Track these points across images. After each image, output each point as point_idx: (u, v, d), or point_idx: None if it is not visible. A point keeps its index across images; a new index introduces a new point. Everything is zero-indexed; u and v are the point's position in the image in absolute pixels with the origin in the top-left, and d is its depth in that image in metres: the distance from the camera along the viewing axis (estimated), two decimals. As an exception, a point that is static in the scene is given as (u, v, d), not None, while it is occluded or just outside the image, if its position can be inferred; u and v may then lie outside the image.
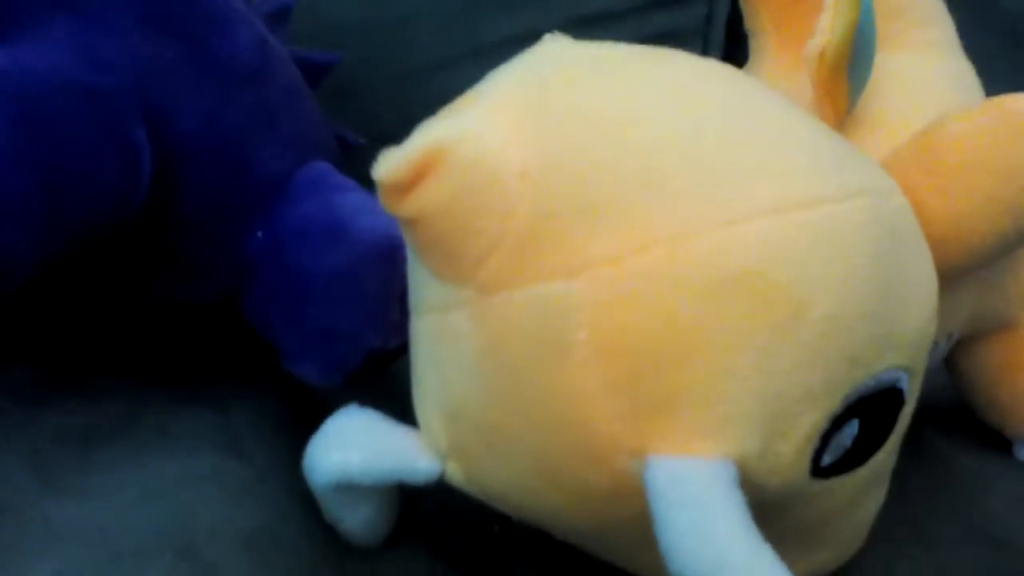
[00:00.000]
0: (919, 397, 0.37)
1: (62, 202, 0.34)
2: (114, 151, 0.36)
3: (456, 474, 0.36)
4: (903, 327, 0.34)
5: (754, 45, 0.49)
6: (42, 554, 0.31)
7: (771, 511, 0.32)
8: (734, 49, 0.66)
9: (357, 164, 0.42)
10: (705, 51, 0.68)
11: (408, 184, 0.31)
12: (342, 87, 0.55)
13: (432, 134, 0.31)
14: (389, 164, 0.31)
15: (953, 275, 0.38)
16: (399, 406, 0.38)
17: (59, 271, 0.37)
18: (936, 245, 0.37)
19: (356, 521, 0.39)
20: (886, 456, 0.37)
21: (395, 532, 0.41)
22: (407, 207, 0.31)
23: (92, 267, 0.39)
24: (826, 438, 0.33)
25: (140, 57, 0.38)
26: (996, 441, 0.50)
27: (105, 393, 0.40)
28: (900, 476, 0.39)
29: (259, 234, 0.41)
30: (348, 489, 0.38)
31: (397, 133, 0.32)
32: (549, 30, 0.37)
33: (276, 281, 0.41)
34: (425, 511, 0.42)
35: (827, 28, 0.38)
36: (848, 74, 0.40)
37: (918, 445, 0.41)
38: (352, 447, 0.37)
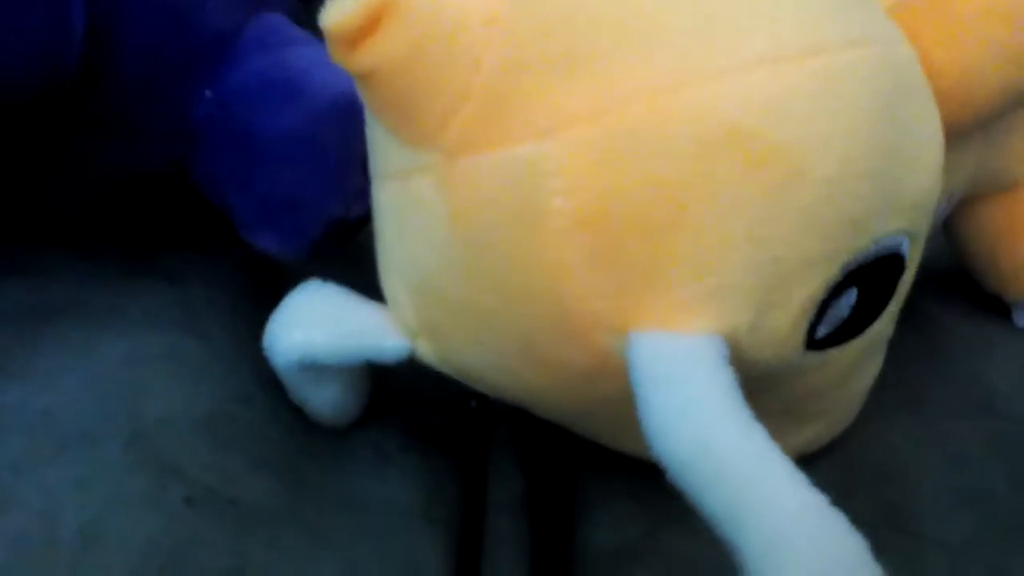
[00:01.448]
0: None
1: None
2: (41, 6, 0.33)
3: (427, 352, 0.34)
4: (907, 188, 0.32)
5: None
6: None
7: (762, 386, 0.30)
8: None
9: (316, 16, 0.39)
10: None
11: (361, 34, 0.28)
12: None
13: (387, -23, 0.28)
14: (339, 11, 0.28)
15: (959, 131, 0.36)
16: (365, 279, 0.36)
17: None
18: (943, 99, 0.34)
19: (323, 401, 0.38)
20: (884, 326, 0.35)
21: (366, 410, 0.39)
22: (360, 60, 0.29)
23: (30, 136, 0.36)
24: (823, 309, 0.31)
25: None
26: (995, 307, 0.49)
27: (52, 271, 0.38)
28: (896, 344, 0.38)
29: (207, 93, 0.38)
30: (313, 368, 0.36)
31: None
32: None
33: (227, 144, 0.38)
34: (396, 388, 0.40)
35: None
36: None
37: (914, 312, 0.39)
38: (315, 325, 0.35)
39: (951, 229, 0.49)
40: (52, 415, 0.30)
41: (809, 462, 0.29)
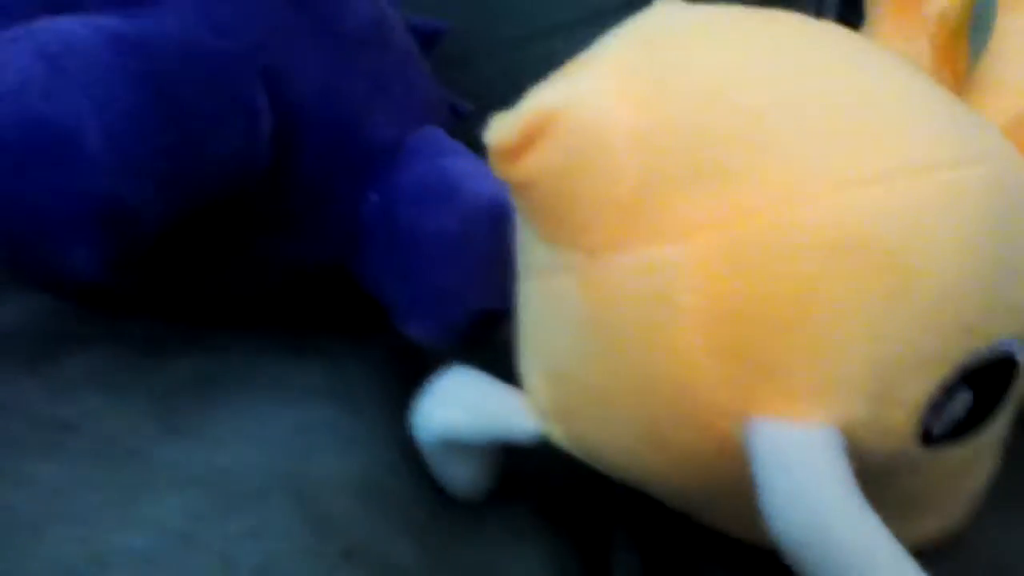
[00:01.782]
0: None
1: (186, 162, 0.35)
2: (235, 115, 0.37)
3: (559, 435, 0.37)
4: (1019, 296, 0.33)
5: (869, 9, 0.48)
6: (168, 494, 0.32)
7: (878, 479, 0.32)
8: (848, 15, 0.65)
9: (467, 131, 0.43)
10: (819, 15, 0.67)
11: (518, 148, 0.31)
12: (452, 55, 0.55)
13: (542, 98, 0.31)
14: (500, 128, 0.31)
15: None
16: (505, 368, 0.39)
17: (183, 230, 0.38)
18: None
19: (460, 476, 0.40)
20: (998, 427, 0.36)
21: (498, 487, 0.42)
22: (517, 171, 0.32)
23: (214, 226, 0.40)
24: (937, 407, 0.32)
25: (259, 21, 0.39)
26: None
27: (224, 346, 0.42)
28: (1012, 449, 0.39)
29: (373, 197, 0.42)
30: (453, 446, 0.39)
31: (506, 100, 0.32)
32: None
33: (388, 242, 0.42)
34: (528, 469, 0.42)
35: (948, -10, 0.37)
36: (968, 36, 0.39)
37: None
38: (459, 405, 0.38)
39: None
40: (228, 472, 0.34)
41: (923, 557, 0.30)
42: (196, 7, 0.38)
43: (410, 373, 0.41)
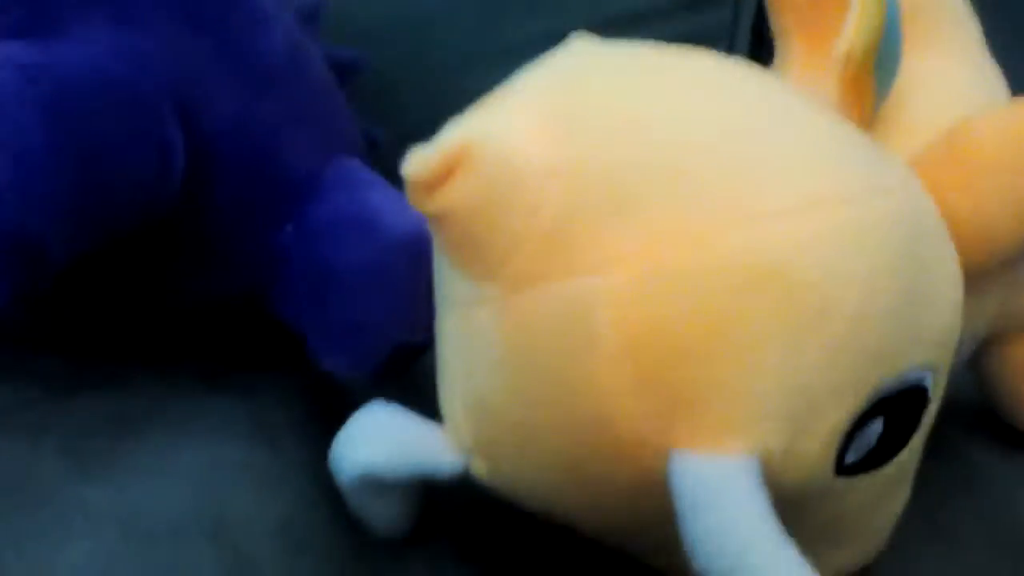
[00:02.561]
0: (944, 397, 0.37)
1: (95, 196, 0.34)
2: (147, 146, 0.36)
3: (481, 470, 0.36)
4: (929, 326, 0.34)
5: (779, 47, 0.49)
6: (78, 535, 0.32)
7: (794, 508, 0.32)
8: (759, 53, 0.67)
9: (384, 161, 0.43)
10: (730, 54, 0.68)
11: (436, 181, 0.31)
12: (369, 85, 0.55)
13: (460, 131, 0.32)
14: (417, 160, 0.31)
15: (978, 275, 0.38)
16: (425, 402, 0.38)
17: (91, 263, 0.37)
18: (962, 245, 0.37)
19: (381, 514, 0.40)
20: (910, 455, 0.37)
21: (420, 524, 0.41)
22: (435, 204, 0.32)
23: (124, 259, 0.40)
24: (851, 436, 0.33)
25: (174, 54, 0.38)
26: (1021, 442, 0.50)
27: (136, 382, 0.41)
28: (924, 477, 0.40)
29: (289, 228, 0.42)
30: (374, 483, 0.38)
31: (423, 131, 0.32)
32: (574, 31, 0.37)
33: (305, 274, 0.41)
34: (449, 505, 0.42)
35: (854, 29, 0.38)
36: (874, 76, 0.40)
37: (942, 446, 0.41)
38: (378, 442, 0.37)
39: (978, 366, 0.50)
40: (142, 511, 0.33)
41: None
42: (108, 38, 0.37)
43: (329, 408, 0.40)
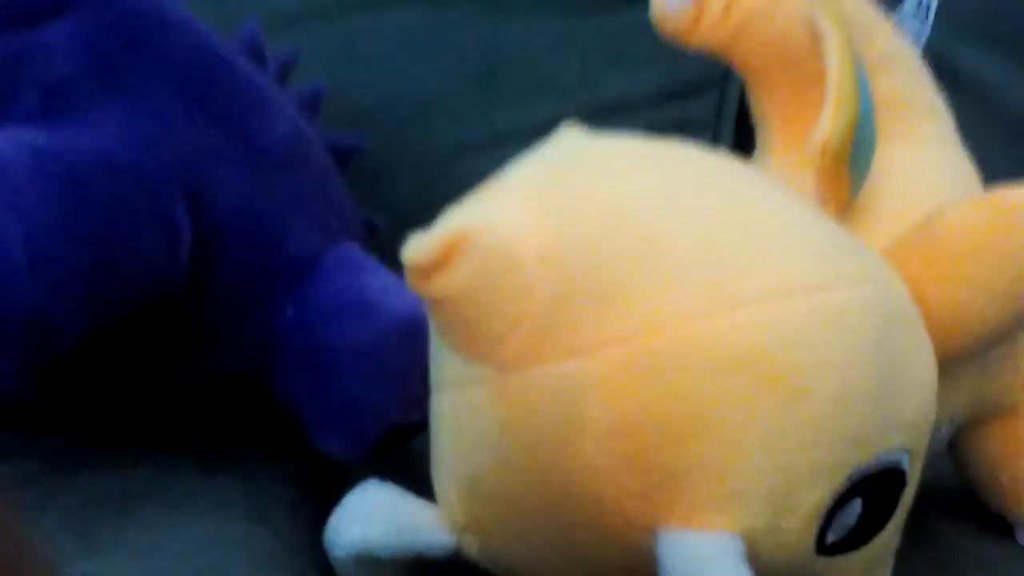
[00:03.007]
0: (923, 480, 0.38)
1: (106, 276, 0.35)
2: (156, 229, 0.38)
3: (472, 547, 0.37)
4: (904, 409, 0.35)
5: (760, 136, 0.51)
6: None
7: (777, 587, 0.33)
8: (743, 139, 0.68)
9: (381, 247, 0.44)
10: (715, 141, 0.70)
11: (434, 266, 0.32)
12: (367, 171, 0.57)
13: (457, 219, 0.33)
14: (416, 247, 0.32)
15: (953, 360, 0.39)
16: (418, 481, 0.39)
17: (96, 342, 0.38)
18: (936, 331, 0.38)
19: (374, 593, 0.40)
20: (889, 536, 0.38)
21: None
22: (432, 288, 0.33)
23: (127, 339, 0.40)
24: (831, 516, 0.34)
25: (183, 139, 0.40)
26: (999, 526, 0.51)
27: (137, 460, 0.41)
28: (904, 558, 0.40)
29: (289, 311, 0.43)
30: (367, 560, 0.38)
31: (418, 216, 0.33)
32: (565, 118, 0.38)
33: (304, 355, 0.42)
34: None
35: (828, 122, 0.40)
36: (849, 166, 0.42)
37: (921, 528, 0.42)
38: (372, 520, 0.38)
39: (955, 450, 0.51)
40: (142, 588, 0.34)
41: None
42: (119, 124, 0.39)
43: (324, 489, 0.41)
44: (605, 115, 0.64)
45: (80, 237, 0.35)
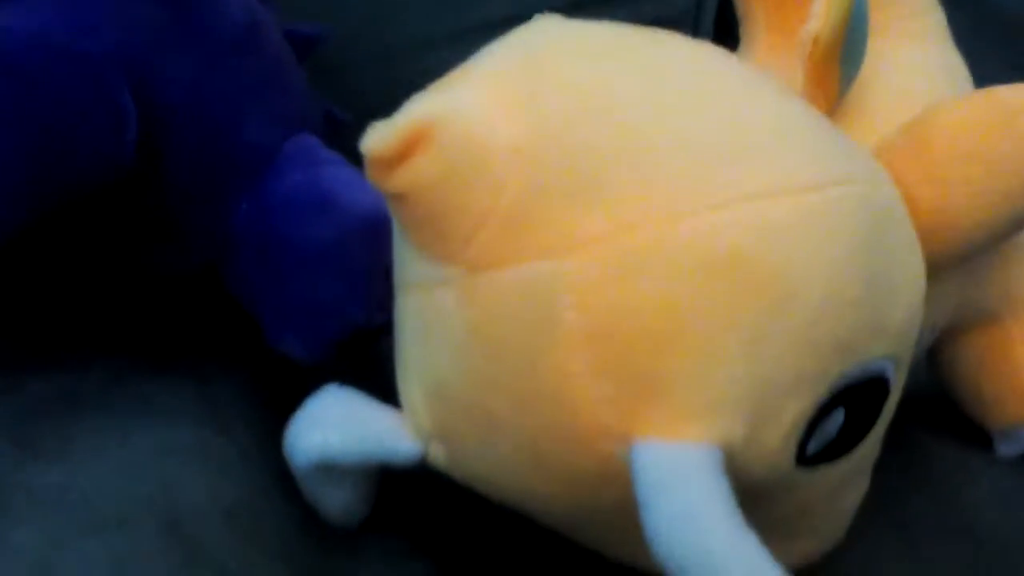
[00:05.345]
0: (903, 388, 0.37)
1: (45, 163, 0.34)
2: (100, 114, 0.36)
3: (439, 456, 0.36)
4: (891, 316, 0.34)
5: (744, 31, 0.49)
6: (25, 519, 0.31)
7: (755, 498, 0.32)
8: (723, 39, 0.66)
9: (344, 141, 0.42)
10: (695, 36, 0.68)
11: (396, 158, 0.31)
12: (328, 63, 0.54)
13: (422, 108, 0.31)
14: (377, 137, 0.31)
15: (941, 265, 0.38)
16: (382, 386, 0.38)
17: (40, 236, 0.37)
18: (924, 235, 0.37)
19: (335, 501, 0.39)
20: (870, 447, 0.37)
21: (374, 513, 0.41)
22: (394, 182, 0.31)
23: (74, 234, 0.39)
24: (812, 426, 0.33)
25: (126, 22, 0.37)
26: (978, 436, 0.51)
27: (86, 363, 0.40)
28: (882, 469, 0.40)
29: (244, 205, 0.41)
30: (328, 469, 0.37)
31: (382, 110, 0.31)
32: (536, 13, 0.36)
33: (261, 252, 0.40)
34: (405, 493, 0.42)
35: (821, 14, 0.38)
36: (840, 62, 0.40)
37: (901, 438, 0.41)
38: (333, 427, 0.37)
39: (936, 359, 0.50)
40: (89, 496, 0.32)
41: (799, 576, 0.31)
42: (61, 7, 0.36)
43: (283, 393, 0.39)
44: (578, 11, 0.62)
45: (16, 122, 0.33)
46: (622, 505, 0.31)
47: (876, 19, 0.44)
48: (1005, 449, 0.50)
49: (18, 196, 0.33)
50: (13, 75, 0.34)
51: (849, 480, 0.38)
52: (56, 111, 0.34)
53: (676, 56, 0.35)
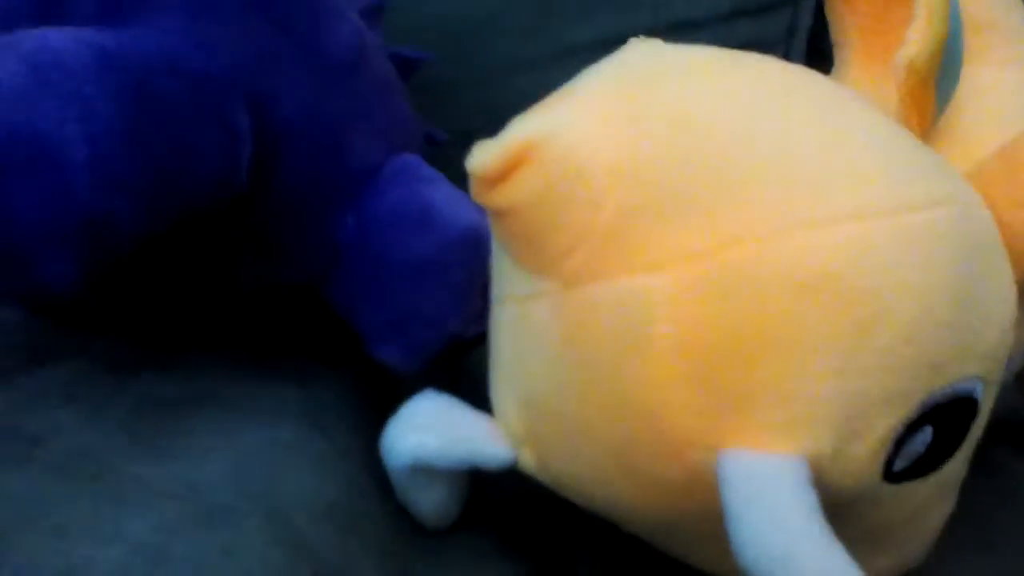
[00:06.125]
0: (991, 412, 0.37)
1: (167, 179, 0.35)
2: (217, 133, 0.37)
3: (529, 461, 0.37)
4: (981, 337, 0.34)
5: (838, 55, 0.49)
6: (140, 509, 0.32)
7: (841, 512, 0.33)
8: (814, 62, 0.66)
9: (441, 160, 0.43)
10: (786, 59, 0.68)
11: (500, 176, 0.32)
12: (430, 84, 0.56)
13: (525, 128, 0.32)
14: (482, 155, 0.32)
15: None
16: (475, 393, 0.39)
17: (157, 247, 0.38)
18: (1016, 258, 0.37)
19: (428, 502, 0.41)
20: (957, 466, 0.37)
21: (465, 514, 0.42)
22: (497, 198, 0.32)
23: (189, 246, 0.40)
24: (900, 443, 0.33)
25: (245, 44, 0.39)
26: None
27: (194, 366, 0.42)
28: (969, 489, 0.40)
29: (350, 221, 0.42)
30: (422, 471, 0.39)
31: (479, 131, 0.33)
32: (630, 36, 0.37)
33: (364, 266, 0.42)
34: (494, 496, 0.43)
35: (918, 38, 0.38)
36: (935, 86, 0.40)
37: (988, 460, 0.41)
38: (429, 430, 0.38)
39: None
40: (199, 489, 0.34)
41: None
42: (183, 26, 0.38)
43: (381, 397, 0.41)
44: (672, 33, 0.63)
45: (141, 139, 0.34)
46: (708, 514, 0.32)
47: (971, 44, 0.44)
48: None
49: (140, 209, 0.34)
50: (140, 92, 0.35)
51: (935, 499, 0.38)
52: (178, 129, 0.36)
53: (772, 78, 0.35)
